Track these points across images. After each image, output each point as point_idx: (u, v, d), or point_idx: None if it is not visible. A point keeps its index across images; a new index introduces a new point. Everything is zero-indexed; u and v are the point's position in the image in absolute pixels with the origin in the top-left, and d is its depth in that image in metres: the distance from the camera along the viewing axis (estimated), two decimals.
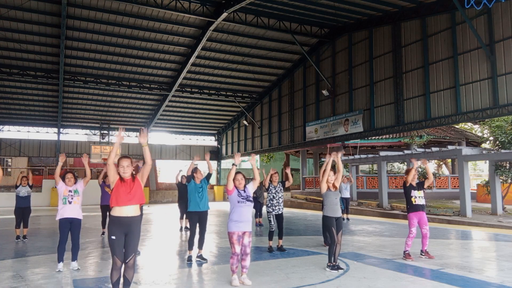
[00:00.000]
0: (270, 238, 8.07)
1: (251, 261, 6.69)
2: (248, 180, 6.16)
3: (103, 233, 10.39)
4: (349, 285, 5.37)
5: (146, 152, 4.55)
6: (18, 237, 9.62)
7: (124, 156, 4.67)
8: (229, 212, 5.66)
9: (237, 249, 5.48)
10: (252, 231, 5.86)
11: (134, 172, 4.68)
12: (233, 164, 5.67)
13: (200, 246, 7.18)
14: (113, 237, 4.44)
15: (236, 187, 5.70)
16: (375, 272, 6.10)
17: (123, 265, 4.50)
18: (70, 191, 6.50)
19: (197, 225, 7.20)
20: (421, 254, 7.19)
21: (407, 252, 7.02)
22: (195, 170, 7.44)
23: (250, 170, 39.10)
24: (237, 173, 5.78)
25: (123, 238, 4.50)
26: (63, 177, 6.60)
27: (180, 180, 11.61)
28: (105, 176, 10.98)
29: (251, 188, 5.82)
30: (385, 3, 14.87)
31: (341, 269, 6.19)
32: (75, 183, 6.60)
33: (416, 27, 14.98)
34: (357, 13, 16.26)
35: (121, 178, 4.55)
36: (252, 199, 5.76)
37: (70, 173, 6.65)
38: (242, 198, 5.62)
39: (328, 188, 6.51)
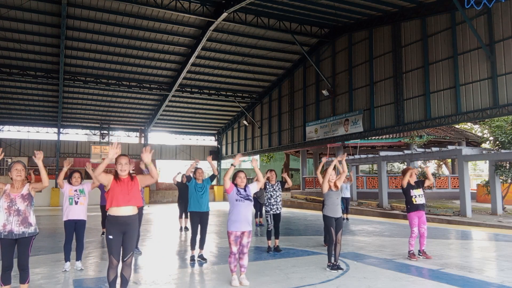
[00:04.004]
0: (269, 238, 8.07)
1: (251, 261, 6.70)
2: (249, 180, 6.15)
3: (103, 233, 10.45)
4: (349, 285, 5.37)
5: (152, 170, 4.53)
6: None
7: (122, 154, 4.59)
8: (229, 211, 5.66)
9: (234, 249, 5.47)
10: (252, 230, 5.81)
11: (134, 172, 4.64)
12: (231, 165, 5.65)
13: (201, 246, 7.18)
14: (111, 237, 4.42)
15: (237, 184, 5.66)
16: (375, 272, 6.10)
17: (121, 264, 4.48)
18: (75, 190, 6.46)
19: (199, 225, 7.20)
20: (418, 254, 7.19)
21: (412, 252, 7.01)
22: (195, 171, 7.43)
23: (250, 170, 39.09)
24: (239, 171, 5.77)
25: (121, 237, 4.47)
26: (69, 176, 6.57)
27: (180, 180, 11.59)
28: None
29: (254, 188, 5.76)
30: (385, 3, 14.87)
31: (341, 269, 6.19)
32: (81, 183, 6.57)
33: (416, 27, 14.98)
34: (357, 13, 16.26)
35: (117, 178, 4.49)
36: (252, 198, 5.71)
37: (78, 173, 6.60)
38: (241, 197, 5.56)
39: (330, 188, 6.49)
